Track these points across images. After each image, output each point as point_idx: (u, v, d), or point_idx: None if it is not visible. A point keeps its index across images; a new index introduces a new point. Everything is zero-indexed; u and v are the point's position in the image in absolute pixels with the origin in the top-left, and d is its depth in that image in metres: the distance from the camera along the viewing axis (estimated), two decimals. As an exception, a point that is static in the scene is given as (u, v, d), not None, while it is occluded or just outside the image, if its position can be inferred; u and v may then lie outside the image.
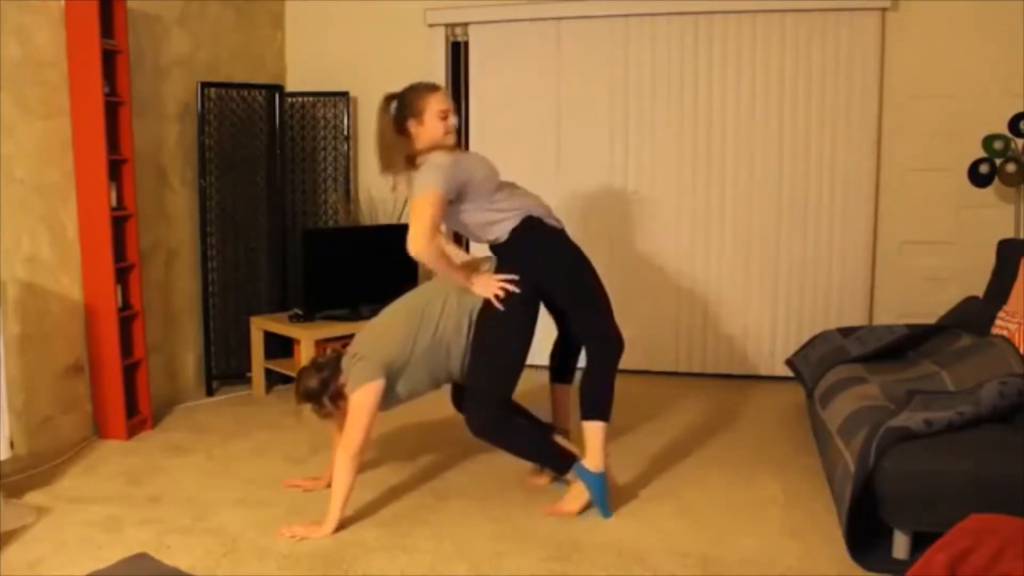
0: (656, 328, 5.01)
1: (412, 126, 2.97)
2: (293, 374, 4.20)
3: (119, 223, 3.87)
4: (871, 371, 3.52)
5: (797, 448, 3.69)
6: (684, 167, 4.89)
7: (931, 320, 4.07)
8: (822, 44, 4.64)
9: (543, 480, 3.31)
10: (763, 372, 4.87)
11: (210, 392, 4.66)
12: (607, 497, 3.03)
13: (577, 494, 3.05)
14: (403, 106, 2.99)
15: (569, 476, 3.07)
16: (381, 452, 3.63)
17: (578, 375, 3.21)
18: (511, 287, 2.93)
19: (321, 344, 4.29)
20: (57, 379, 3.72)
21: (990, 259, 3.97)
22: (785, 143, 4.74)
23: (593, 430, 3.01)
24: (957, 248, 4.62)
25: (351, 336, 4.39)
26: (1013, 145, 4.24)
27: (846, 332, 4.10)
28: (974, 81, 4.50)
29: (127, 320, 3.94)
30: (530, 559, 2.70)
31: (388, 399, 2.96)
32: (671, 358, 5.01)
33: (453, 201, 2.92)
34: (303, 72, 5.31)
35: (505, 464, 3.50)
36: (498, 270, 3.04)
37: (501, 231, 3.00)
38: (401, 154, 2.99)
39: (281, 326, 4.47)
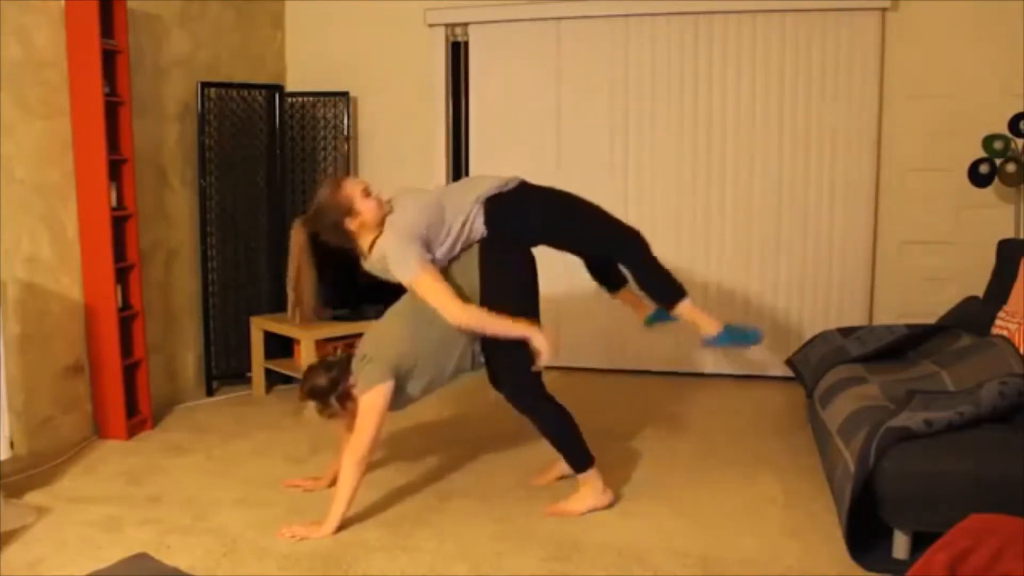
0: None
1: (352, 224, 2.87)
2: (293, 374, 4.21)
3: (119, 223, 3.87)
4: (871, 371, 3.52)
5: (797, 448, 3.69)
6: (684, 167, 4.89)
7: (931, 320, 4.07)
8: (822, 44, 4.64)
9: (544, 480, 3.31)
10: (763, 372, 4.87)
11: (210, 392, 4.66)
12: (741, 329, 3.17)
13: (582, 496, 3.06)
14: (331, 215, 2.88)
15: (581, 477, 3.07)
16: (382, 452, 3.62)
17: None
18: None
19: (322, 344, 4.29)
20: (57, 379, 3.72)
21: (990, 259, 3.97)
22: (785, 143, 4.74)
23: (684, 310, 3.13)
24: (957, 248, 4.62)
25: (351, 336, 4.43)
26: (1013, 145, 4.24)
27: (846, 332, 4.10)
28: (974, 81, 4.51)
29: (127, 320, 3.94)
30: (530, 559, 2.70)
31: (399, 399, 2.95)
32: (671, 358, 5.01)
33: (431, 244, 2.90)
34: (303, 72, 5.31)
35: (506, 464, 3.51)
36: (488, 255, 3.01)
37: (478, 230, 2.98)
38: (365, 246, 2.93)
39: (281, 326, 4.47)
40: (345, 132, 5.09)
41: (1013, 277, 3.63)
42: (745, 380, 4.87)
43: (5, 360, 3.12)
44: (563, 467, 3.19)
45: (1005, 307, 3.56)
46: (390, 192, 3.00)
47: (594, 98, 4.95)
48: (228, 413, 4.32)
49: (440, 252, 2.91)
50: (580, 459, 3.08)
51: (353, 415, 2.93)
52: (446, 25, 5.12)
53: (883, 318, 4.70)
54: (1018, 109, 4.27)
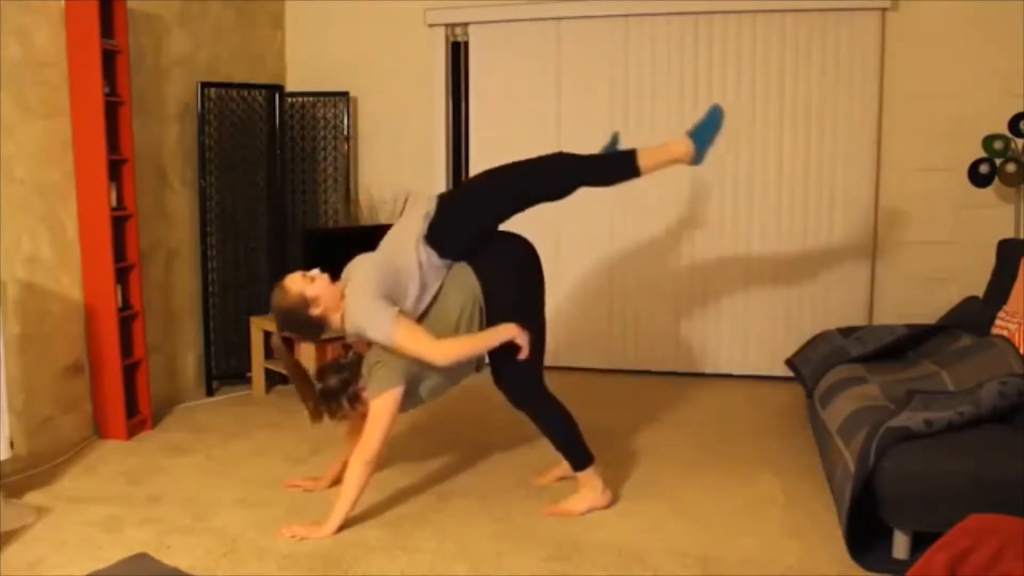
0: (656, 328, 5.01)
1: (316, 311, 2.88)
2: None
3: (119, 223, 3.87)
4: (871, 371, 3.52)
5: (797, 448, 3.69)
6: (684, 167, 4.87)
7: (931, 320, 4.08)
8: (822, 44, 4.64)
9: (544, 480, 3.31)
10: (763, 372, 4.87)
11: (210, 392, 4.66)
12: (703, 125, 3.34)
13: (582, 497, 3.06)
14: (294, 316, 2.90)
15: (580, 476, 3.08)
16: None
17: None
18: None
19: (321, 347, 4.29)
20: (57, 379, 3.72)
21: (990, 259, 3.97)
22: (785, 143, 4.74)
23: (645, 160, 3.23)
24: (957, 248, 4.62)
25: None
26: (1013, 145, 4.24)
27: (846, 332, 4.10)
28: (974, 81, 4.51)
29: (127, 320, 3.94)
30: (530, 559, 2.70)
31: (408, 402, 2.96)
32: (671, 358, 5.01)
33: (397, 295, 2.89)
34: (303, 72, 5.31)
35: (506, 464, 3.51)
36: (478, 271, 3.01)
37: (436, 264, 2.94)
38: (339, 323, 2.93)
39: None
40: (345, 132, 5.09)
41: (1013, 277, 3.63)
42: (745, 380, 4.87)
43: (5, 360, 3.12)
44: (564, 468, 3.19)
45: (1005, 307, 3.57)
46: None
47: (594, 98, 4.95)
48: (228, 413, 4.32)
49: (409, 302, 2.90)
50: (580, 458, 3.08)
51: (362, 417, 2.94)
52: (446, 25, 5.12)
53: (883, 318, 4.70)
54: (1018, 109, 4.27)
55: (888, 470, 2.56)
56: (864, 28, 4.58)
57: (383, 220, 5.07)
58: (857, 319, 4.68)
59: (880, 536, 2.68)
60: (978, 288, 3.99)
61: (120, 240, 3.88)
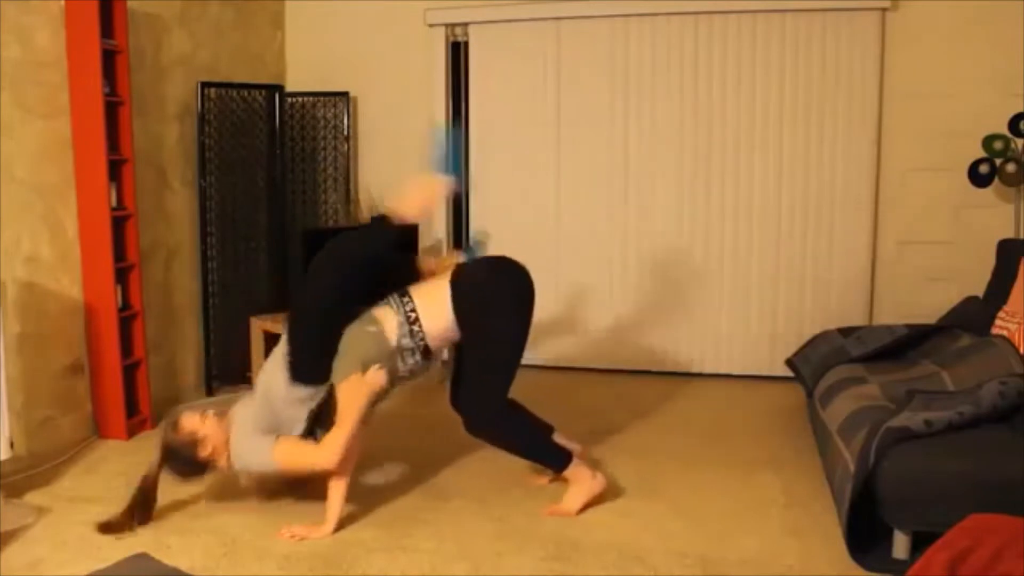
0: (656, 328, 5.01)
1: (203, 451, 2.89)
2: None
3: (119, 223, 3.87)
4: (871, 371, 3.52)
5: (797, 448, 3.69)
6: (684, 167, 4.89)
7: (931, 320, 4.07)
8: (822, 44, 4.64)
9: (543, 480, 3.31)
10: (763, 372, 4.87)
11: (210, 392, 4.66)
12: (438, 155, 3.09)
13: (575, 493, 3.05)
14: (184, 452, 2.90)
15: (567, 474, 3.07)
16: (382, 453, 3.62)
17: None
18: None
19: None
20: (57, 379, 3.72)
21: (990, 259, 3.97)
22: (785, 143, 4.74)
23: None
24: (957, 248, 4.62)
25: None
26: (1013, 145, 4.24)
27: (846, 332, 4.10)
28: (974, 81, 4.50)
29: (127, 320, 3.94)
30: (530, 559, 2.70)
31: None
32: (671, 358, 5.01)
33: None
34: (303, 72, 5.31)
35: (506, 464, 3.50)
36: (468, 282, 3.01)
37: (295, 392, 2.91)
38: (225, 462, 2.94)
39: (281, 326, 4.46)
40: (345, 132, 5.09)
41: (1013, 277, 3.63)
42: (745, 380, 4.87)
43: (5, 360, 3.12)
44: None
45: (1005, 307, 3.57)
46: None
47: (594, 98, 4.95)
48: (228, 413, 4.31)
49: (298, 428, 2.93)
50: (556, 461, 3.08)
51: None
52: (446, 25, 5.12)
53: (883, 318, 4.70)
54: (1018, 109, 4.26)
55: (888, 470, 2.56)
56: (864, 28, 4.58)
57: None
58: (857, 319, 4.68)
59: (880, 536, 2.68)
60: (978, 288, 3.99)
61: (120, 240, 3.88)
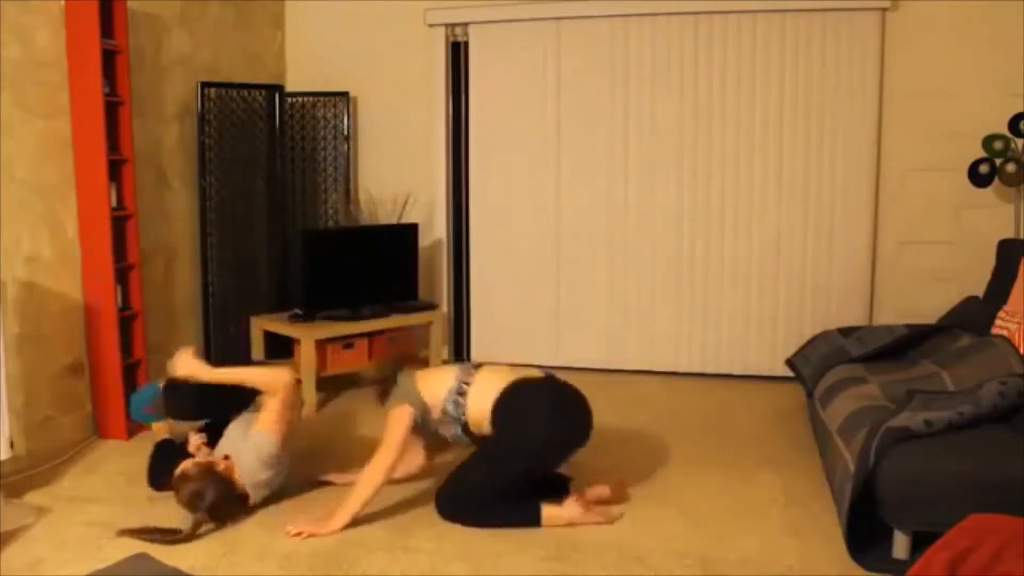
0: (656, 328, 5.01)
1: (236, 486, 2.96)
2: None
3: (119, 223, 3.87)
4: (871, 371, 3.52)
5: (797, 448, 3.69)
6: (684, 167, 4.88)
7: (931, 320, 4.07)
8: (822, 44, 4.64)
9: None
10: (763, 372, 4.87)
11: (210, 392, 4.65)
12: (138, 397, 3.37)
13: (571, 504, 3.00)
14: (230, 492, 2.93)
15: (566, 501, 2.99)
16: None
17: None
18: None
19: (321, 344, 4.30)
20: (57, 379, 3.72)
21: (990, 259, 3.97)
22: (785, 143, 4.74)
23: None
24: (957, 248, 4.62)
25: (351, 336, 4.44)
26: (1013, 145, 4.24)
27: (846, 332, 4.10)
28: (974, 81, 4.50)
29: (127, 320, 3.94)
30: (530, 559, 2.70)
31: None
32: (671, 358, 5.01)
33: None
34: (303, 72, 5.31)
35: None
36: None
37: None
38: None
39: (281, 326, 4.47)
40: (345, 132, 5.09)
41: (1013, 277, 3.63)
42: (745, 380, 4.87)
43: (5, 360, 3.12)
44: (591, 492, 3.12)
45: (1005, 307, 3.57)
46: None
47: (594, 98, 4.95)
48: (228, 413, 4.31)
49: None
50: (531, 520, 2.94)
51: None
52: (446, 25, 5.12)
53: (883, 318, 4.70)
54: (1018, 109, 4.26)
55: (888, 470, 2.56)
56: (864, 28, 4.58)
57: (383, 220, 5.07)
58: (857, 319, 4.68)
59: (880, 536, 2.68)
60: (978, 288, 3.99)
61: (120, 240, 3.88)
